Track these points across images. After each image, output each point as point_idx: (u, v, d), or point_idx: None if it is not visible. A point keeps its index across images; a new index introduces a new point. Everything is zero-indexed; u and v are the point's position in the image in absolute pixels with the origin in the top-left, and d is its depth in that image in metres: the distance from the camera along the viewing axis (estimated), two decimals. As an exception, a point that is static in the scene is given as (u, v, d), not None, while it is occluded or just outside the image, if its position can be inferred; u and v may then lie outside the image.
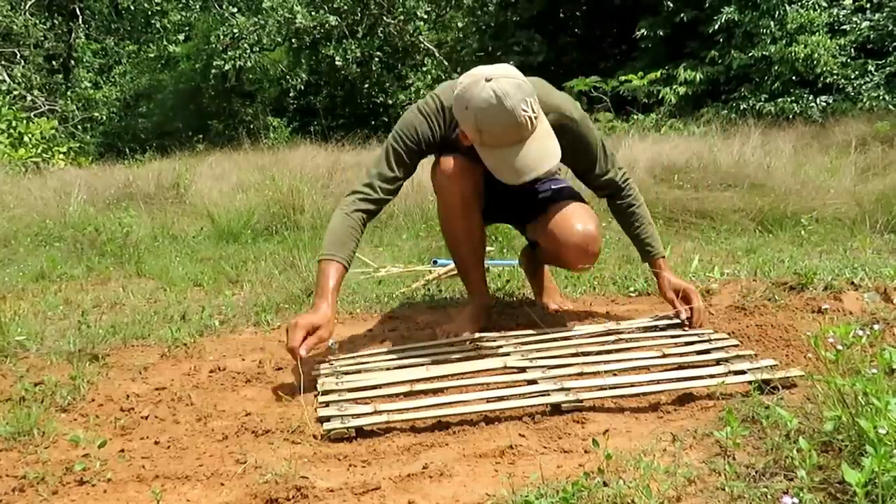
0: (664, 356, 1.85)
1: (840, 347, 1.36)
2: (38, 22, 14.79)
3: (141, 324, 2.44)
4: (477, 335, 2.09)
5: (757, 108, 10.03)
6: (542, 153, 1.80)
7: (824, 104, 9.94)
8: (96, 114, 15.90)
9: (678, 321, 2.13)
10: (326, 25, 14.18)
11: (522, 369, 1.81)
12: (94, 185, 5.97)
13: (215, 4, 15.48)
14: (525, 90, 1.75)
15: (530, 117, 1.75)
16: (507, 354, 1.93)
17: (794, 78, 10.11)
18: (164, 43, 17.66)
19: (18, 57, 14.46)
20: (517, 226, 2.44)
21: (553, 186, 2.26)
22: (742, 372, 1.69)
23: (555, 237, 2.08)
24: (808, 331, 1.72)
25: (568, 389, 1.65)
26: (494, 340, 2.05)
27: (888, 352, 1.33)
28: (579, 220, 2.07)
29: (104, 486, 1.37)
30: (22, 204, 5.22)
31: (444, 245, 2.83)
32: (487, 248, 3.36)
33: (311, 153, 7.79)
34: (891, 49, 9.94)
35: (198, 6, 16.93)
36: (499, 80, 1.74)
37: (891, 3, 9.97)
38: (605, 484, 1.21)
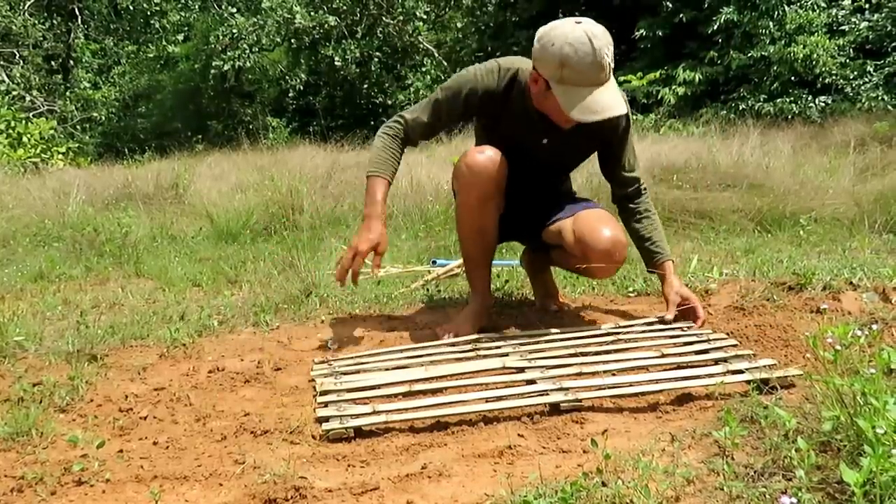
0: (663, 356, 1.85)
1: (839, 347, 1.36)
2: (37, 22, 14.77)
3: (140, 324, 2.44)
4: (476, 335, 2.09)
5: (756, 108, 10.04)
6: (613, 100, 1.90)
7: (823, 104, 9.96)
8: (95, 114, 15.88)
9: (677, 322, 2.14)
10: (326, 26, 14.18)
11: (521, 369, 1.81)
12: (93, 186, 5.97)
13: (214, 4, 15.48)
14: (609, 39, 1.86)
15: (610, 63, 1.86)
16: (506, 355, 1.93)
17: (792, 78, 10.13)
18: (164, 43, 17.66)
19: (17, 57, 14.44)
20: (529, 236, 2.40)
21: (576, 198, 2.30)
22: (741, 372, 1.69)
23: (583, 242, 2.05)
24: (806, 331, 1.72)
25: (567, 389, 1.65)
26: (493, 341, 2.05)
27: (887, 352, 1.33)
28: (606, 225, 2.06)
29: (103, 487, 1.37)
30: (21, 204, 5.22)
31: (447, 244, 2.84)
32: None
33: (310, 153, 7.79)
34: (889, 49, 9.95)
35: (197, 6, 16.93)
36: (588, 23, 1.87)
37: (889, 4, 9.99)
38: (603, 484, 1.21)
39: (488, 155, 2.06)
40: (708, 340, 1.95)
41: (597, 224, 2.06)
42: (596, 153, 2.23)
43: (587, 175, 4.16)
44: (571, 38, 1.83)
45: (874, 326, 1.52)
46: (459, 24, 16.02)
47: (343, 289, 2.70)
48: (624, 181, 2.19)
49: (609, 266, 2.06)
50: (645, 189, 2.23)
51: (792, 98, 10.08)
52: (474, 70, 2.09)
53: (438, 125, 2.17)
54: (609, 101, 1.89)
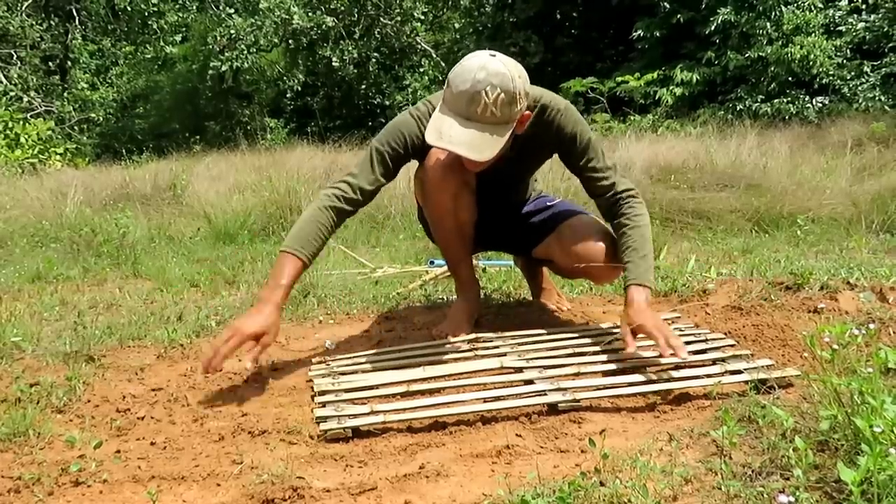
0: (661, 356, 1.84)
1: (836, 347, 1.36)
2: (34, 23, 14.74)
3: (137, 325, 2.43)
4: (473, 336, 2.09)
5: (753, 108, 10.06)
6: (473, 140, 1.72)
7: (820, 105, 9.98)
8: (93, 115, 15.87)
9: (675, 322, 2.14)
10: (323, 26, 14.19)
11: (519, 369, 1.81)
12: (91, 186, 5.96)
13: (212, 5, 15.47)
14: (504, 84, 1.69)
15: (487, 104, 1.69)
16: (504, 355, 1.93)
17: (790, 79, 10.15)
18: (161, 44, 17.66)
19: (15, 58, 14.42)
20: (514, 247, 2.43)
21: (548, 203, 2.27)
22: (738, 372, 1.69)
23: (578, 257, 2.05)
24: (804, 330, 1.73)
25: (565, 389, 1.65)
26: (491, 340, 2.05)
27: (884, 351, 1.33)
28: (593, 235, 2.04)
29: (100, 487, 1.37)
30: (18, 205, 5.21)
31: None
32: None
33: (307, 154, 7.79)
34: (886, 50, 9.98)
35: (194, 7, 16.91)
36: (498, 58, 1.73)
37: (886, 4, 10.01)
38: (601, 483, 1.21)
39: (446, 157, 1.95)
40: (706, 340, 1.95)
41: (585, 236, 2.06)
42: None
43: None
44: (466, 64, 1.73)
45: (871, 326, 1.53)
46: (457, 25, 16.03)
47: (341, 289, 2.70)
48: (597, 190, 2.01)
49: (611, 272, 2.05)
50: (627, 197, 1.98)
51: (789, 98, 10.10)
52: (409, 114, 1.97)
53: (385, 175, 1.95)
54: (465, 138, 1.71)
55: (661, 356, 1.74)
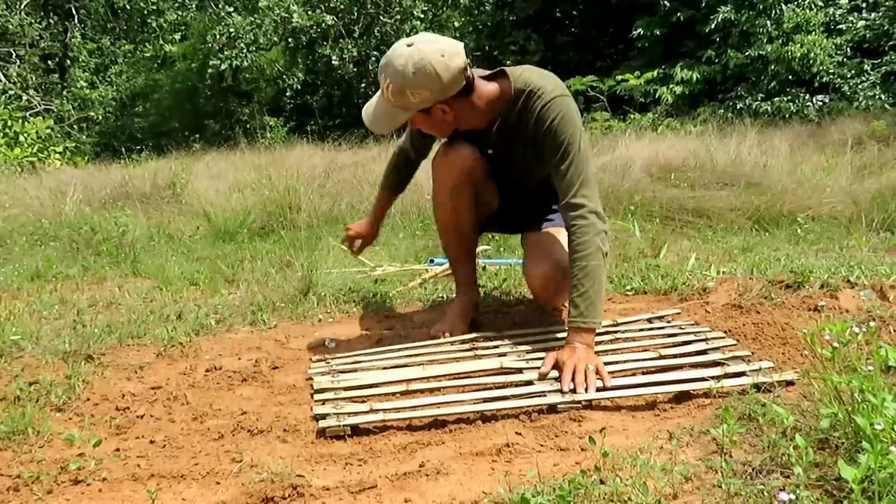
0: (661, 356, 1.84)
1: (836, 345, 1.36)
2: (33, 21, 14.74)
3: (137, 323, 2.43)
4: (473, 335, 2.09)
5: (753, 107, 10.05)
6: (376, 111, 1.94)
7: (820, 103, 9.97)
8: (92, 113, 15.86)
9: (675, 320, 2.14)
10: (323, 25, 14.16)
11: (519, 370, 1.81)
12: (90, 185, 5.95)
13: (211, 4, 15.46)
14: (395, 77, 1.83)
15: (383, 89, 1.90)
16: (504, 355, 1.92)
17: (790, 77, 10.14)
18: (161, 42, 17.64)
19: (14, 56, 14.42)
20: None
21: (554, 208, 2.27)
22: (739, 374, 1.68)
23: (526, 270, 2.17)
24: (804, 328, 1.72)
25: (564, 391, 1.64)
26: (491, 340, 2.05)
27: (884, 349, 1.33)
28: (543, 258, 2.09)
29: (99, 486, 1.36)
30: (17, 203, 5.21)
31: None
32: (485, 247, 3.36)
33: (307, 153, 7.78)
34: (887, 48, 9.97)
35: (194, 5, 16.90)
36: (414, 47, 1.83)
37: (887, 3, 10.00)
38: (601, 482, 1.21)
39: (457, 149, 2.05)
40: (706, 339, 1.94)
41: (538, 255, 2.12)
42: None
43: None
44: (393, 46, 1.92)
45: (871, 324, 1.52)
46: (457, 24, 15.99)
47: (340, 287, 2.72)
48: (564, 206, 1.88)
49: (543, 296, 2.17)
50: (575, 216, 1.86)
51: (789, 97, 10.09)
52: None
53: (418, 145, 2.30)
54: (370, 108, 1.96)
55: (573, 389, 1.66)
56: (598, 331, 2.00)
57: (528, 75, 1.95)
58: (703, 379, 1.67)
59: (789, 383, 1.64)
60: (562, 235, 2.07)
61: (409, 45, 1.83)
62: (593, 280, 1.82)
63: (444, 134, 2.05)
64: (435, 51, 1.80)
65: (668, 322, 2.15)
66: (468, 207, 2.13)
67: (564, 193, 1.88)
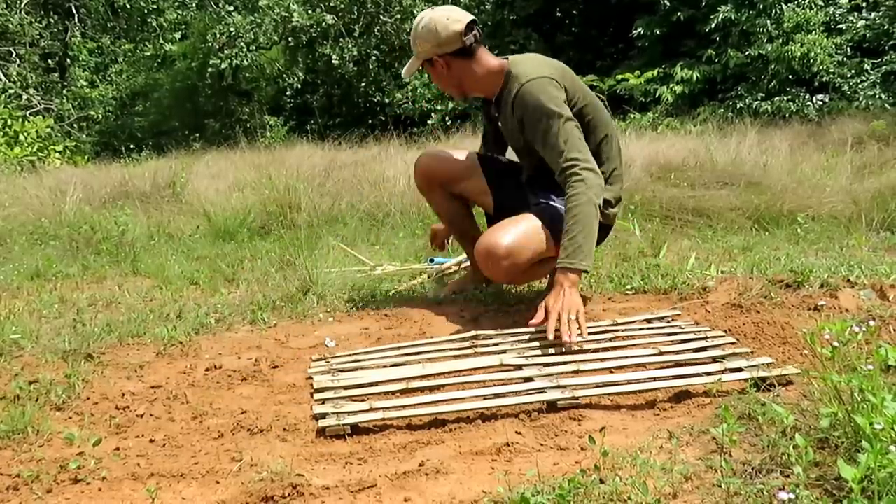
0: (661, 354, 1.85)
1: (836, 344, 1.36)
2: (33, 20, 14.73)
3: (136, 322, 2.43)
4: (473, 333, 2.09)
5: (753, 106, 10.05)
6: (409, 63, 2.33)
7: (820, 103, 9.97)
8: (92, 112, 15.87)
9: (675, 320, 2.14)
10: (323, 24, 14.15)
11: (519, 367, 1.81)
12: (90, 184, 5.95)
13: (212, 3, 15.45)
14: (414, 26, 2.25)
15: (412, 40, 2.28)
16: (504, 352, 1.93)
17: (790, 77, 10.14)
18: (161, 42, 17.65)
19: (14, 55, 14.41)
20: None
21: (542, 200, 2.29)
22: (738, 370, 1.69)
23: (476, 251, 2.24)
24: (804, 328, 1.72)
25: (564, 387, 1.65)
26: (491, 338, 2.05)
27: (884, 348, 1.33)
28: (495, 232, 2.17)
29: (99, 485, 1.36)
30: (17, 202, 5.21)
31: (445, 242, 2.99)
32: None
33: (307, 152, 7.79)
34: (887, 48, 9.97)
35: (194, 5, 16.91)
36: (434, 9, 2.25)
37: (887, 2, 10.00)
38: (601, 481, 1.21)
39: (421, 157, 2.54)
40: (706, 338, 1.94)
41: (489, 231, 2.22)
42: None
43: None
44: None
45: (871, 323, 1.53)
46: (457, 23, 15.97)
47: (340, 286, 2.73)
48: (559, 172, 2.07)
49: (486, 270, 2.21)
50: (569, 174, 2.03)
51: (789, 96, 10.09)
52: None
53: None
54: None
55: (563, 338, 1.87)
56: (596, 329, 2.04)
57: (519, 61, 2.24)
58: (703, 374, 1.67)
59: (789, 382, 1.64)
60: (531, 220, 2.18)
61: (430, 10, 2.25)
62: (582, 226, 1.97)
63: (453, 93, 2.37)
64: (442, 15, 2.21)
65: (668, 322, 2.15)
66: (443, 200, 2.53)
67: (556, 162, 2.07)
